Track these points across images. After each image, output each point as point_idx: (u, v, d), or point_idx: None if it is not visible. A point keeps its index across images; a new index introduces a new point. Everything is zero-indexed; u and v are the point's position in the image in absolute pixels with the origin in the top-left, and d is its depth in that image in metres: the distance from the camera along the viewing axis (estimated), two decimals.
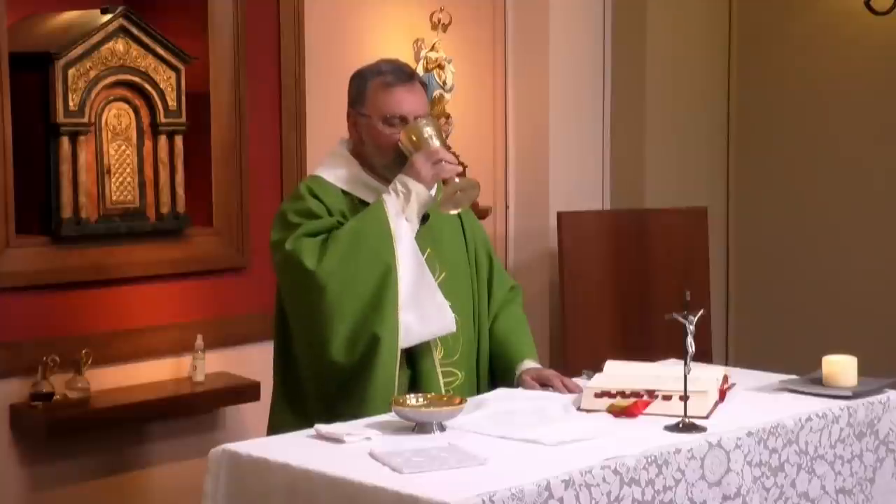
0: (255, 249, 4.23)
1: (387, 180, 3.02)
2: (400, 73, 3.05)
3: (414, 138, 2.98)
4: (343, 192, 3.04)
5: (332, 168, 3.08)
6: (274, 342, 3.12)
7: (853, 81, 5.35)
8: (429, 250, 3.04)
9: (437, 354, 3.03)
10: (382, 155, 3.02)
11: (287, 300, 3.03)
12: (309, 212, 2.97)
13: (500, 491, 2.21)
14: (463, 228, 3.21)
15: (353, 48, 4.60)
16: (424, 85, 3.14)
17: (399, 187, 2.95)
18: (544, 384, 3.05)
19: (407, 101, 3.01)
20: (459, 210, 3.07)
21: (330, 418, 2.77)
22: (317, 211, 2.97)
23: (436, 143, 2.98)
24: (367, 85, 3.04)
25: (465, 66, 4.92)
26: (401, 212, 2.94)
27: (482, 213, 4.83)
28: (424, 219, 3.06)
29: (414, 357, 3.00)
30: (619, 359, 3.16)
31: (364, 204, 3.02)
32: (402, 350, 2.93)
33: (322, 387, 2.96)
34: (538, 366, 3.16)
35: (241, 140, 4.21)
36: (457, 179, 2.96)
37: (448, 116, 4.69)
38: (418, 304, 2.93)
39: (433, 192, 3.00)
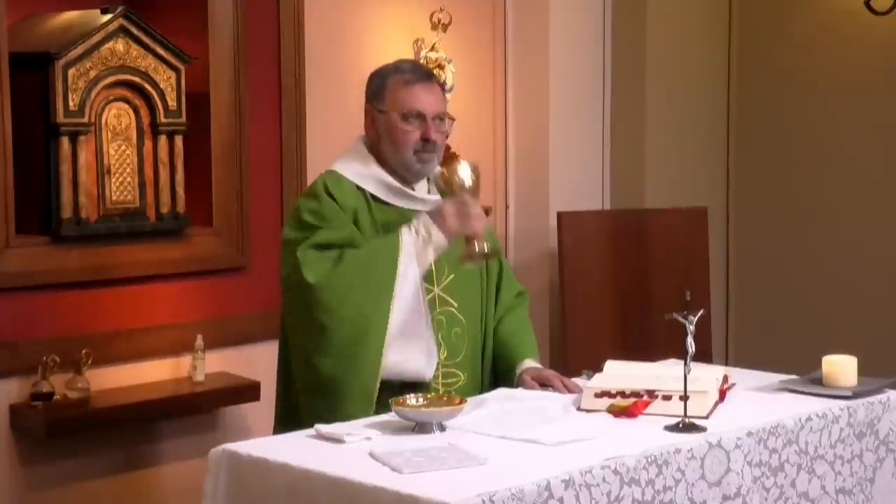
0: (255, 249, 4.24)
1: (400, 177, 3.04)
2: (419, 72, 3.09)
3: (453, 179, 2.95)
4: (357, 186, 3.04)
5: (348, 162, 3.09)
6: (279, 354, 3.12)
7: (853, 81, 5.35)
8: None
9: (441, 355, 3.03)
10: (398, 151, 3.03)
11: (285, 302, 3.04)
12: (323, 215, 2.96)
13: (500, 491, 2.21)
14: None
15: (353, 48, 4.60)
16: (442, 86, 3.16)
17: (421, 230, 2.94)
18: (544, 384, 3.05)
19: (425, 98, 3.03)
20: (476, 266, 3.07)
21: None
22: (330, 214, 2.96)
23: (468, 186, 2.95)
24: (386, 82, 3.06)
25: (465, 66, 4.92)
26: (413, 254, 2.92)
27: None
28: None
29: None
30: (619, 359, 3.17)
31: (376, 200, 3.03)
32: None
33: (307, 393, 2.97)
34: (538, 366, 3.16)
35: (241, 140, 4.21)
36: (485, 247, 2.94)
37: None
38: (403, 345, 2.92)
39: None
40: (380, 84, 3.08)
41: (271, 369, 3.18)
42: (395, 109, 3.02)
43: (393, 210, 3.05)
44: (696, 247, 5.14)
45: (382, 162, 3.07)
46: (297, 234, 2.96)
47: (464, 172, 2.97)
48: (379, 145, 3.07)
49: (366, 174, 3.05)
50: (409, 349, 2.93)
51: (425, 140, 3.02)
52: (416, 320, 2.94)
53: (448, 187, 2.97)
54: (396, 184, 3.05)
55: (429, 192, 3.13)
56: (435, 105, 3.05)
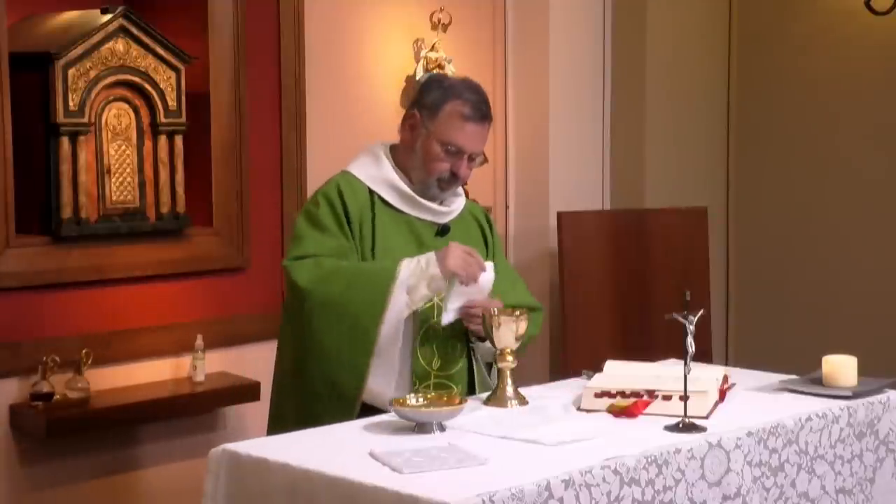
0: (255, 249, 4.24)
1: (416, 187, 3.05)
2: (479, 111, 3.04)
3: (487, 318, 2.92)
4: (369, 190, 3.05)
5: (362, 166, 3.10)
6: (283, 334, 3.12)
7: (853, 81, 5.35)
8: None
9: (434, 365, 3.01)
10: (425, 172, 3.04)
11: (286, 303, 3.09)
12: (317, 221, 2.99)
13: (500, 491, 2.21)
14: (486, 248, 3.22)
15: (353, 48, 4.60)
16: (491, 119, 3.13)
17: (422, 259, 2.90)
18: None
19: (472, 139, 3.03)
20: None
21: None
22: (325, 221, 2.97)
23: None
24: (444, 102, 3.03)
25: (465, 66, 4.92)
26: (406, 285, 2.87)
27: None
28: (444, 231, 3.09)
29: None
30: (619, 359, 3.17)
31: (384, 203, 3.03)
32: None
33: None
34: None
35: (241, 140, 4.21)
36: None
37: None
38: (372, 368, 2.91)
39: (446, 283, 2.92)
40: (437, 102, 3.04)
41: (271, 369, 3.18)
42: (440, 136, 3.01)
43: (401, 217, 3.06)
44: (696, 247, 5.14)
45: (403, 167, 3.07)
46: (298, 241, 3.00)
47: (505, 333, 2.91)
48: (410, 151, 3.07)
49: (378, 178, 3.06)
50: (376, 374, 2.90)
51: (453, 174, 3.04)
52: (390, 349, 2.90)
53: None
54: (409, 191, 3.05)
55: (441, 203, 3.12)
56: (477, 145, 3.05)
